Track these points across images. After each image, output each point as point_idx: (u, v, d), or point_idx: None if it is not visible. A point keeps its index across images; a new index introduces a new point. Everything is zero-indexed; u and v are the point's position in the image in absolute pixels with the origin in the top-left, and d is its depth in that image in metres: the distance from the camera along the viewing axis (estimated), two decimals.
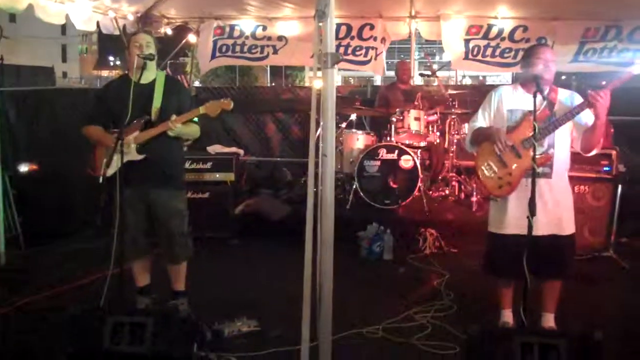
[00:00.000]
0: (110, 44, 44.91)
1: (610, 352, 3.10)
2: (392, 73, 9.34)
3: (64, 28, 39.23)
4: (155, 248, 4.90)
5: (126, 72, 4.89)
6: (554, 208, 4.21)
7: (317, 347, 3.09)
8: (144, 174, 4.61)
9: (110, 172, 4.41)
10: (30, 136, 7.33)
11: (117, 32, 8.45)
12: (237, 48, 9.60)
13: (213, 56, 9.67)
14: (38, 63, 30.86)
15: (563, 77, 9.93)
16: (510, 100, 4.34)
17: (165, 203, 4.72)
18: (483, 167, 4.32)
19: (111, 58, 56.68)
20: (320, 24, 2.97)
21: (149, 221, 4.76)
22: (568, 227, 4.32)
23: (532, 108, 3.95)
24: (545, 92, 4.08)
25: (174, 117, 4.57)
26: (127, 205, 4.48)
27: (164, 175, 4.70)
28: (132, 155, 4.57)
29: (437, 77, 8.96)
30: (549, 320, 4.46)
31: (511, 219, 4.27)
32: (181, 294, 4.97)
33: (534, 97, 3.88)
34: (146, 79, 4.63)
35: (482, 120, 4.44)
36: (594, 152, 4.30)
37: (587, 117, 4.16)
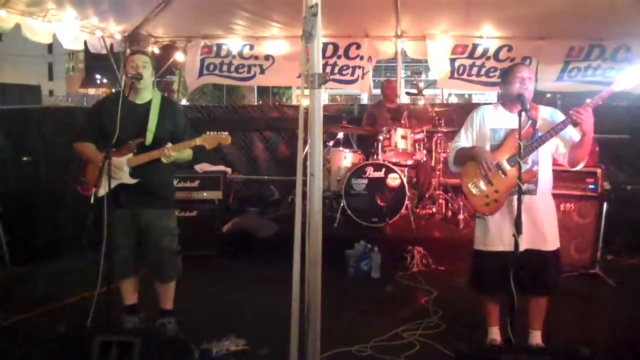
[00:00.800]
0: (97, 62, 44.81)
1: None
2: (379, 91, 9.37)
3: (50, 46, 39.21)
4: (144, 267, 4.89)
5: (120, 89, 4.89)
6: (539, 224, 4.24)
7: None
8: (136, 196, 4.62)
9: (101, 192, 4.40)
10: (17, 155, 7.30)
11: (104, 51, 8.46)
12: (225, 67, 9.61)
13: (200, 74, 9.67)
14: (24, 81, 30.73)
15: (548, 96, 9.99)
16: (493, 120, 4.39)
17: (156, 222, 4.71)
18: (469, 186, 4.35)
19: (98, 76, 56.69)
20: (307, 45, 2.99)
21: (138, 241, 4.75)
22: (553, 243, 4.35)
23: (514, 126, 4.01)
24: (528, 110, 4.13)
25: (169, 145, 4.56)
26: (118, 225, 4.51)
27: (157, 196, 4.71)
28: (125, 178, 4.58)
29: (423, 95, 9.02)
30: (536, 338, 4.47)
31: (496, 236, 4.31)
32: (169, 313, 4.94)
33: (519, 115, 3.93)
34: (142, 99, 4.65)
35: (464, 140, 4.48)
36: (580, 166, 4.34)
37: (572, 132, 4.21)
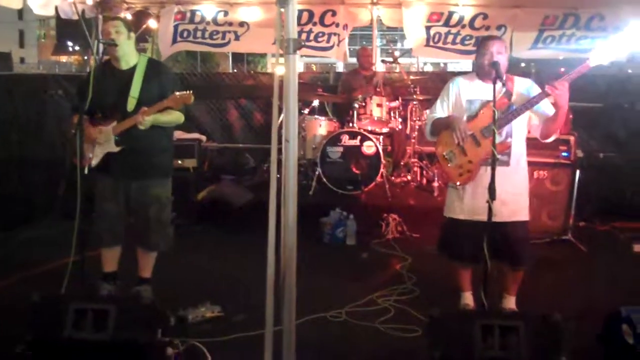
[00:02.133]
0: (68, 29, 44.22)
1: (569, 333, 3.16)
2: (354, 60, 9.35)
3: (20, 12, 38.47)
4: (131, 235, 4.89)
5: (101, 58, 4.86)
6: (511, 196, 4.27)
7: (281, 332, 3.10)
8: (125, 165, 4.61)
9: (94, 162, 4.44)
10: None
11: (75, 17, 8.30)
12: (199, 34, 9.50)
13: (174, 41, 9.55)
14: None
15: (522, 65, 10.04)
16: (468, 91, 4.40)
17: (145, 191, 4.70)
18: (444, 155, 4.38)
19: (70, 43, 55.76)
20: (282, 9, 2.97)
21: (127, 210, 4.76)
22: (523, 214, 4.40)
23: (489, 98, 4.02)
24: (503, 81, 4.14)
25: (144, 109, 4.50)
26: (107, 193, 4.58)
27: (146, 164, 4.68)
28: (111, 147, 4.56)
29: (398, 63, 9.01)
30: (510, 302, 4.55)
31: (468, 205, 4.36)
32: (145, 281, 4.95)
33: (494, 83, 3.93)
34: (126, 64, 4.60)
35: (440, 110, 4.50)
36: (552, 139, 4.39)
37: (546, 106, 4.24)
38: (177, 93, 4.57)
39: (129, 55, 4.60)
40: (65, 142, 4.21)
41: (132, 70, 4.61)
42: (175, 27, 9.46)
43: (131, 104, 4.54)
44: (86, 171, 4.28)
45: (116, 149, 4.56)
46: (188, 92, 4.62)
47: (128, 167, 4.61)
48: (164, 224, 4.84)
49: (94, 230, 4.64)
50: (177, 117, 4.74)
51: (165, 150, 4.91)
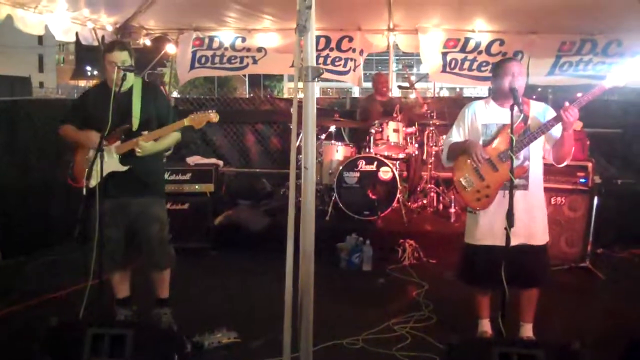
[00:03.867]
0: (87, 54, 44.63)
1: None
2: (369, 84, 9.38)
3: (41, 38, 39.00)
4: (138, 258, 4.90)
5: (103, 80, 4.87)
6: (530, 219, 4.26)
7: (298, 359, 3.09)
8: (126, 185, 4.62)
9: (92, 183, 4.35)
10: (7, 146, 7.26)
11: (96, 43, 8.42)
12: (217, 59, 9.58)
13: (192, 67, 9.64)
14: (15, 73, 30.61)
15: (539, 90, 10.00)
16: (484, 115, 4.40)
17: (145, 210, 4.72)
18: (461, 180, 4.37)
19: (88, 68, 56.30)
20: (302, 37, 2.99)
21: (129, 232, 4.75)
22: (542, 238, 4.38)
23: (506, 121, 4.04)
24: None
25: (144, 134, 4.57)
26: (107, 218, 4.44)
27: (146, 184, 4.71)
28: (116, 166, 4.58)
29: (415, 89, 9.03)
30: (527, 330, 4.51)
31: (487, 231, 4.33)
32: (164, 303, 4.97)
33: (512, 109, 3.94)
34: (124, 86, 4.60)
35: (457, 135, 4.49)
36: (565, 164, 4.37)
37: (557, 130, 4.23)
38: (199, 112, 4.65)
39: (130, 77, 4.61)
40: (95, 158, 4.16)
41: (130, 91, 4.66)
42: (194, 53, 9.55)
43: (135, 124, 4.61)
44: (84, 192, 4.33)
45: (123, 168, 4.59)
46: (212, 111, 4.69)
47: (128, 186, 4.63)
48: (165, 243, 4.85)
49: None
50: (175, 139, 4.82)
51: (161, 170, 5.06)
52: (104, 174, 4.31)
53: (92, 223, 4.26)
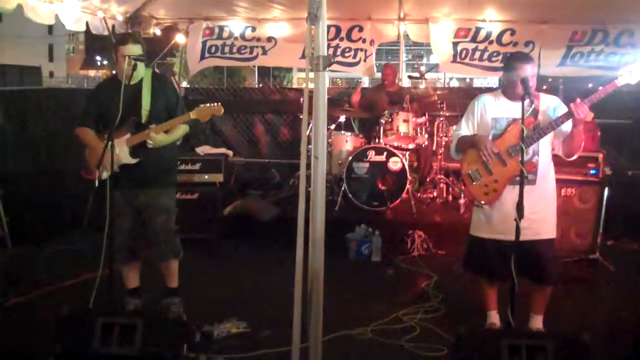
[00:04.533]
0: (97, 43, 44.58)
1: (597, 354, 3.12)
2: (379, 74, 9.37)
3: (51, 27, 39.01)
4: (145, 249, 4.92)
5: (114, 72, 4.91)
6: (537, 214, 4.23)
7: (307, 349, 3.10)
8: (135, 176, 4.65)
9: (104, 175, 4.37)
10: (18, 136, 7.29)
11: (106, 33, 8.42)
12: (227, 49, 9.56)
13: (202, 57, 9.63)
14: (25, 62, 30.68)
15: (550, 80, 9.95)
16: (494, 109, 4.37)
17: (153, 200, 4.75)
18: (469, 174, 4.36)
19: (98, 58, 56.31)
20: (313, 26, 2.98)
21: (137, 223, 4.79)
22: (549, 232, 4.37)
23: (516, 116, 4.03)
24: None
25: (152, 126, 4.60)
26: (118, 208, 4.51)
27: (155, 175, 4.74)
28: (126, 158, 4.61)
29: (425, 79, 9.00)
30: (537, 322, 4.50)
31: (494, 224, 4.33)
32: (174, 292, 5.00)
33: (522, 100, 3.92)
34: (134, 78, 4.63)
35: (466, 129, 4.47)
36: (575, 157, 4.35)
37: (567, 125, 4.20)
38: (205, 105, 4.69)
39: (140, 69, 4.63)
40: (105, 148, 4.18)
41: (140, 83, 4.69)
42: (204, 42, 9.53)
43: (144, 116, 4.64)
44: (96, 184, 4.32)
45: (133, 161, 4.63)
46: (217, 104, 4.72)
47: (138, 177, 4.67)
48: (171, 233, 4.88)
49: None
50: (184, 131, 4.84)
51: (172, 159, 5.05)
52: (116, 166, 4.38)
53: (102, 213, 4.28)
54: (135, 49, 4.57)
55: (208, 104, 4.71)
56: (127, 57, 4.51)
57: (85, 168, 4.75)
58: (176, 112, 4.75)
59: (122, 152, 4.58)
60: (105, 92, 4.74)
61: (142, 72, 4.71)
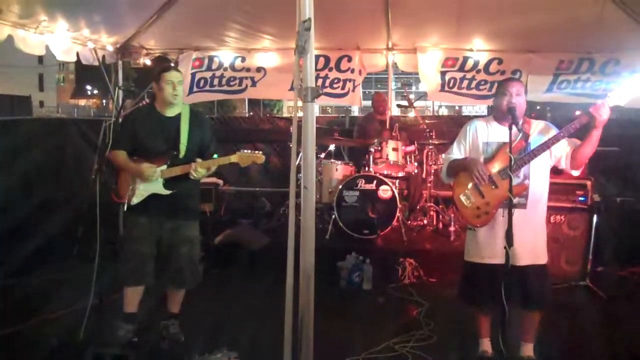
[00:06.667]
0: (87, 73, 44.69)
1: None
2: (368, 102, 9.43)
3: (41, 57, 39.03)
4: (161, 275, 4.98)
5: (150, 102, 5.08)
6: (528, 238, 4.25)
7: None
8: (166, 207, 4.80)
9: (135, 200, 4.64)
10: (8, 166, 7.27)
11: (96, 63, 8.44)
12: (215, 81, 9.55)
13: (191, 91, 9.55)
14: (15, 92, 30.66)
15: (538, 107, 10.04)
16: (485, 133, 4.42)
17: (180, 231, 4.87)
18: (461, 197, 4.38)
19: (89, 87, 56.46)
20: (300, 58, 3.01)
21: (154, 250, 4.86)
22: (541, 257, 4.38)
23: (506, 140, 4.04)
24: (520, 124, 4.17)
25: (198, 160, 4.75)
26: (141, 233, 4.72)
27: (184, 208, 4.89)
28: (159, 189, 4.75)
29: (414, 107, 9.07)
30: (527, 350, 4.50)
31: (487, 249, 4.34)
32: (174, 317, 5.09)
33: (510, 128, 3.97)
34: (172, 112, 4.81)
35: (457, 152, 4.52)
36: (579, 171, 4.38)
37: (568, 142, 4.25)
38: (247, 151, 4.89)
39: (179, 104, 4.82)
40: (96, 178, 4.29)
41: (178, 117, 4.82)
42: (193, 75, 9.52)
43: (182, 151, 4.77)
44: (125, 208, 4.63)
45: (165, 192, 4.75)
46: (259, 152, 4.93)
47: (168, 209, 4.80)
48: (195, 262, 5.00)
49: (120, 270, 4.77)
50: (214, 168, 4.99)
51: (198, 194, 5.16)
52: (147, 194, 4.66)
53: (92, 243, 4.32)
54: (177, 76, 4.77)
55: (250, 151, 4.89)
56: (171, 82, 4.68)
57: (116, 192, 4.85)
58: (209, 149, 4.93)
59: (156, 181, 4.73)
60: (141, 121, 4.85)
61: (180, 107, 4.86)
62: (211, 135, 5.06)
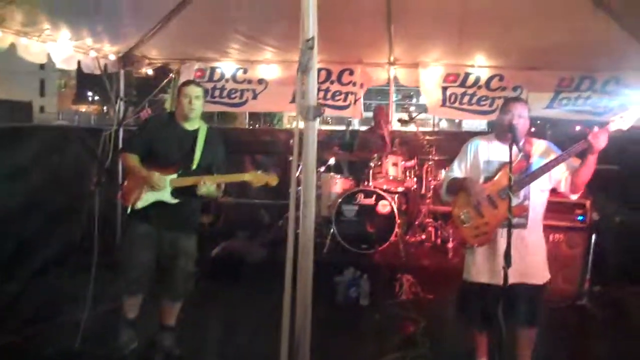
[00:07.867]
0: (88, 79, 44.73)
1: None
2: (369, 114, 9.44)
3: (42, 63, 39.13)
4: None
5: (170, 112, 5.17)
6: (527, 258, 4.25)
7: None
8: (168, 217, 4.82)
9: (139, 205, 4.68)
10: (7, 173, 7.25)
11: (98, 72, 8.44)
12: (217, 92, 9.55)
13: None
14: (16, 97, 30.67)
15: (538, 123, 10.05)
16: (487, 152, 4.43)
17: (179, 243, 4.89)
18: (460, 216, 4.38)
19: (90, 93, 56.54)
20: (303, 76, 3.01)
21: (154, 259, 4.88)
22: (541, 277, 4.37)
23: (507, 159, 4.04)
24: (521, 144, 4.17)
25: (213, 176, 4.82)
26: (142, 242, 4.76)
27: (186, 219, 4.94)
28: (166, 197, 4.77)
29: (415, 122, 9.07)
30: None
31: (485, 268, 4.33)
32: (169, 329, 5.06)
33: (510, 147, 3.96)
34: (191, 125, 4.91)
35: (458, 170, 4.52)
36: (578, 195, 4.39)
37: (568, 164, 4.25)
38: (261, 172, 4.99)
39: (197, 118, 4.93)
40: (95, 190, 4.31)
41: (195, 133, 4.90)
42: None
43: (194, 164, 4.83)
44: (129, 211, 4.67)
45: (173, 201, 4.77)
46: (274, 175, 5.01)
47: (170, 219, 4.82)
48: (190, 276, 5.02)
49: (119, 278, 4.81)
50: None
51: (199, 210, 5.20)
52: (153, 199, 4.70)
53: (90, 252, 4.32)
54: (196, 90, 4.85)
55: (264, 172, 4.99)
56: (189, 96, 4.78)
57: (122, 194, 4.89)
58: (219, 168, 5.01)
59: (164, 189, 4.75)
60: (160, 129, 4.92)
61: (199, 123, 4.95)
62: (223, 154, 5.14)
